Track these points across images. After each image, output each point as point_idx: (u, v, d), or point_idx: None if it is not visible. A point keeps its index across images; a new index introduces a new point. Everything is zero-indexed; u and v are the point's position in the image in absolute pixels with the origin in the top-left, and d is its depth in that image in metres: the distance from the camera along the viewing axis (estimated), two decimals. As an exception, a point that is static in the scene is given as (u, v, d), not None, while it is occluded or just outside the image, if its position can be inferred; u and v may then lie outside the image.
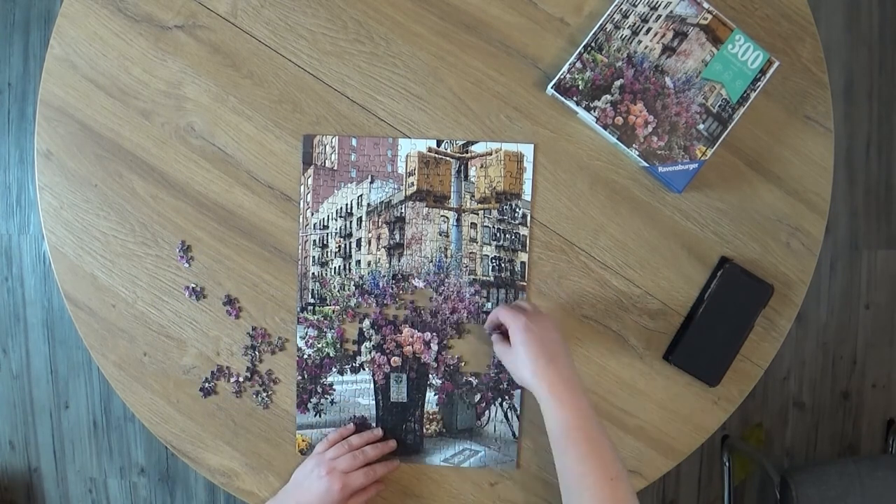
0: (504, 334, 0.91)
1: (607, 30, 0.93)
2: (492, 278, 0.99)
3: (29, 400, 1.85)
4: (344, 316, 0.99)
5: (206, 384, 1.00)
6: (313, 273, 0.99)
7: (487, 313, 0.99)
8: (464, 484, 1.01)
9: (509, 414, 1.00)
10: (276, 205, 0.99)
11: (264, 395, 1.00)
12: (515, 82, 0.98)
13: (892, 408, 1.83)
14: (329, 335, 0.99)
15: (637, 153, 0.94)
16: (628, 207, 0.99)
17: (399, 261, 0.99)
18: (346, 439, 0.97)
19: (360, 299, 0.99)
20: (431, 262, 0.99)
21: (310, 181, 0.99)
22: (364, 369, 1.00)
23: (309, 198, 0.99)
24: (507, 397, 1.00)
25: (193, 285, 0.99)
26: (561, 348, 0.87)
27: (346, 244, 0.99)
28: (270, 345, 0.99)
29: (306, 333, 0.99)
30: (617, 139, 0.94)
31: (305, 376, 1.00)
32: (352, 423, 1.00)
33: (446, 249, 0.99)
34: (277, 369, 1.00)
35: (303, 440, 1.00)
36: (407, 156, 0.98)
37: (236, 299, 0.99)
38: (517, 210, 0.99)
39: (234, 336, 1.00)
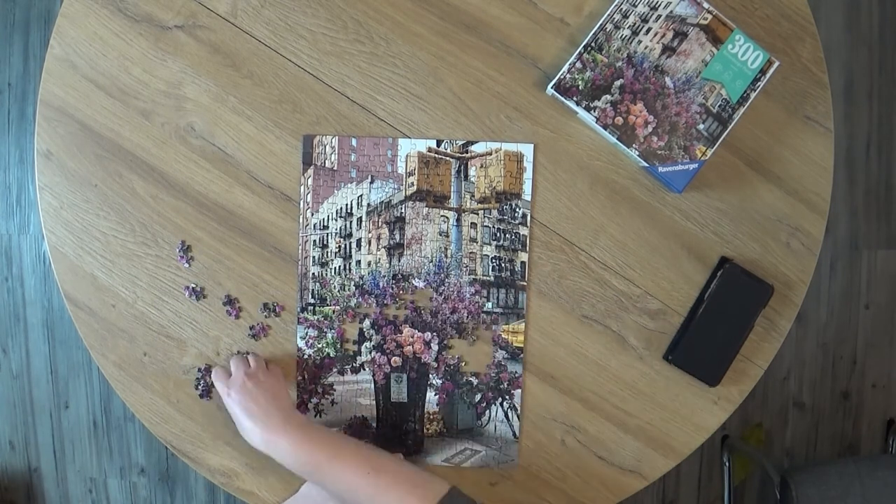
0: None
1: (607, 30, 0.93)
2: (492, 278, 0.99)
3: (29, 400, 1.85)
4: (344, 316, 0.99)
5: (207, 384, 1.00)
6: (313, 273, 0.99)
7: (487, 313, 0.99)
8: (464, 484, 1.00)
9: (510, 414, 1.00)
10: (276, 205, 0.99)
11: (264, 395, 1.00)
12: (515, 82, 0.98)
13: (892, 408, 1.83)
14: (329, 335, 0.99)
15: (637, 153, 0.94)
16: (628, 207, 0.99)
17: (399, 261, 0.99)
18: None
19: (360, 299, 0.99)
20: (431, 262, 0.99)
21: (310, 181, 0.99)
22: (364, 369, 1.00)
23: (309, 198, 0.99)
24: (507, 397, 1.00)
25: (193, 285, 0.99)
26: (264, 400, 0.90)
27: (346, 244, 0.99)
28: (268, 309, 0.99)
29: (306, 333, 0.99)
30: (617, 139, 0.94)
31: (305, 376, 1.00)
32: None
33: (446, 249, 0.99)
34: (277, 369, 1.00)
35: (303, 440, 1.00)
36: (407, 156, 0.98)
37: (236, 299, 0.99)
38: (517, 210, 0.99)
39: (234, 336, 1.00)
